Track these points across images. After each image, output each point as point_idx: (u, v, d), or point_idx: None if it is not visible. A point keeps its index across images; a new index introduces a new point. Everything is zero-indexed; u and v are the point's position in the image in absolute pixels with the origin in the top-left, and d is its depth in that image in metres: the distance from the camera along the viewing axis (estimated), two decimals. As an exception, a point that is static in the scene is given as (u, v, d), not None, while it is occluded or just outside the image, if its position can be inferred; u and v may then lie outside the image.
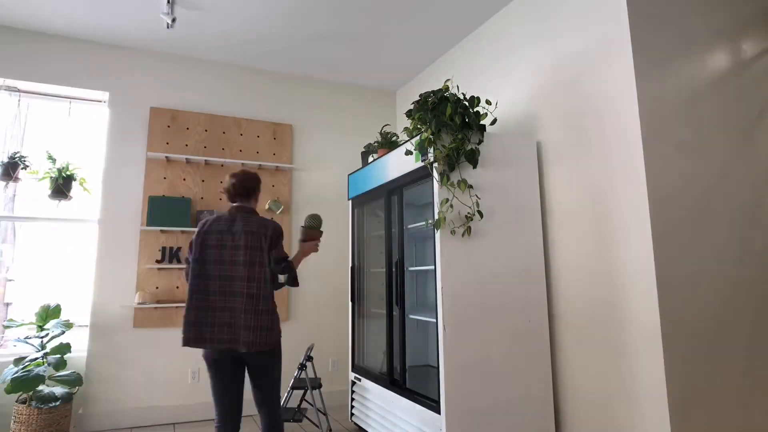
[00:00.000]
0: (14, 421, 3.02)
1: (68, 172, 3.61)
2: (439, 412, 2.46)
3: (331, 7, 3.38)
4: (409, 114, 2.81)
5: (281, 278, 2.33)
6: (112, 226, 3.67)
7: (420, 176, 2.79)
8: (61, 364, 3.14)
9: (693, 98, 2.54)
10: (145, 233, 3.73)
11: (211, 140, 4.04)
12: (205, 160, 3.95)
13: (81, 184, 3.73)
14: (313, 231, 2.54)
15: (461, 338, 2.51)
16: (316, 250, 2.55)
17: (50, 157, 3.59)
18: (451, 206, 2.58)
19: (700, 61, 2.60)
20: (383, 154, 3.24)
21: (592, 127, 2.62)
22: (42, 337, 3.24)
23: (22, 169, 3.53)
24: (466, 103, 2.71)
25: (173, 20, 3.31)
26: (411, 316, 3.01)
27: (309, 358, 3.33)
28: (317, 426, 3.40)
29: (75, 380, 3.21)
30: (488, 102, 2.84)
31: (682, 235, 2.35)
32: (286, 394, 3.28)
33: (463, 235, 2.59)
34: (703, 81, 2.59)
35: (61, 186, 3.58)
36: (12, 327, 3.22)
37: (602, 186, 2.53)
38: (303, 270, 4.16)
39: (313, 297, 4.21)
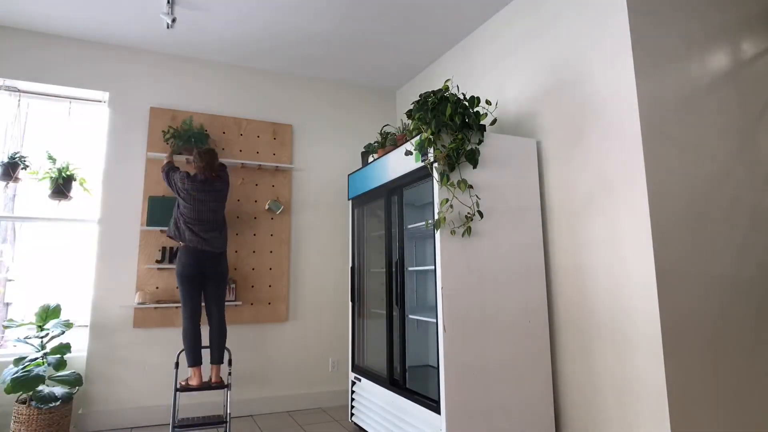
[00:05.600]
0: (14, 421, 3.02)
1: (68, 172, 3.61)
2: (439, 412, 2.46)
3: (331, 7, 3.38)
4: (409, 114, 2.81)
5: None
6: (112, 226, 3.67)
7: (420, 176, 2.79)
8: (61, 364, 3.14)
9: (693, 98, 2.54)
10: (145, 233, 3.73)
11: (211, 140, 4.04)
12: (205, 160, 3.94)
13: (81, 184, 3.72)
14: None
15: (461, 338, 2.51)
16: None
17: (50, 157, 3.59)
18: (451, 206, 2.58)
19: (700, 60, 2.60)
20: (383, 154, 3.24)
21: (592, 127, 2.62)
22: (42, 337, 3.24)
23: (22, 169, 3.53)
24: (466, 103, 2.71)
25: (173, 20, 3.30)
26: (411, 317, 3.01)
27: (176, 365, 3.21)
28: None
29: (75, 380, 3.21)
30: (488, 102, 2.84)
31: (682, 235, 2.35)
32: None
33: (463, 235, 2.59)
34: (703, 81, 2.59)
35: (61, 186, 3.58)
36: (12, 327, 3.22)
37: (602, 186, 2.53)
38: (303, 270, 4.17)
39: (314, 297, 4.21)
